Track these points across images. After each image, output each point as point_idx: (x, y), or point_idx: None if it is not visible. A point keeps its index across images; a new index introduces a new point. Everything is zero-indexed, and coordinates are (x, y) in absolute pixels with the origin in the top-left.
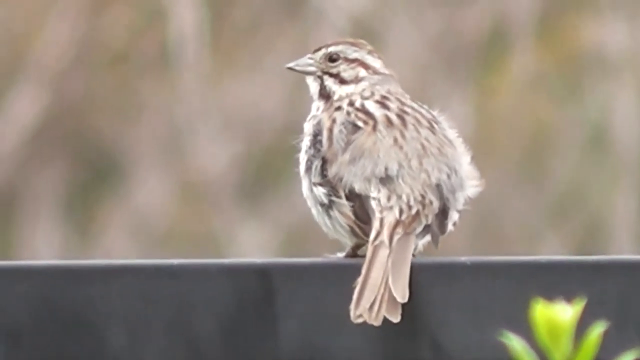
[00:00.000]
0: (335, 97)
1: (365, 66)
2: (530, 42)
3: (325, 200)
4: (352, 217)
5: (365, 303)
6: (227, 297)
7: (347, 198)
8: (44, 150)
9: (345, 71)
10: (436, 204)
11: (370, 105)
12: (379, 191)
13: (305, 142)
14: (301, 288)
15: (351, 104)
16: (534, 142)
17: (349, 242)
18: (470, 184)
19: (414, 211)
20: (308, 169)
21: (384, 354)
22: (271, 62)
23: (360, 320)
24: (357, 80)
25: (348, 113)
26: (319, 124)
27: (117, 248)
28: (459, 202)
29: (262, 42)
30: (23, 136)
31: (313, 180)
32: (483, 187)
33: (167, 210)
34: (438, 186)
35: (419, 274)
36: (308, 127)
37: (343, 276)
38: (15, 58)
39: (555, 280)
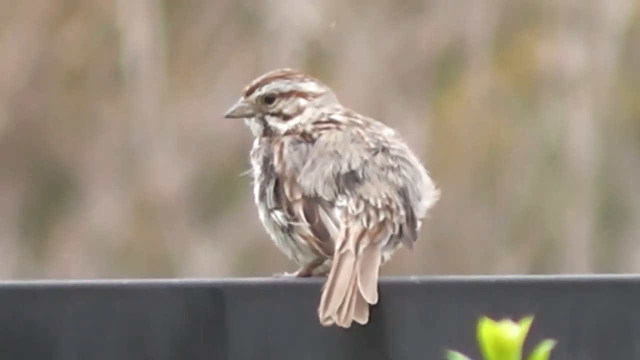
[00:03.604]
0: (283, 133)
1: (303, 94)
2: (486, 61)
3: (285, 224)
4: (312, 235)
5: (334, 305)
6: (178, 317)
7: (306, 218)
8: None
9: (286, 107)
10: (402, 212)
11: (335, 116)
12: (346, 197)
13: (257, 170)
14: (252, 307)
15: (297, 133)
16: (490, 162)
17: (309, 260)
18: (431, 194)
19: (381, 218)
20: (262, 195)
21: None
22: (226, 82)
23: (329, 323)
24: (299, 111)
25: (302, 134)
26: (268, 149)
27: (73, 268)
28: (421, 211)
29: (217, 62)
30: None
31: (269, 206)
32: (439, 197)
33: (123, 230)
34: (404, 190)
35: None
36: (257, 159)
37: (294, 296)
38: None
39: (506, 299)
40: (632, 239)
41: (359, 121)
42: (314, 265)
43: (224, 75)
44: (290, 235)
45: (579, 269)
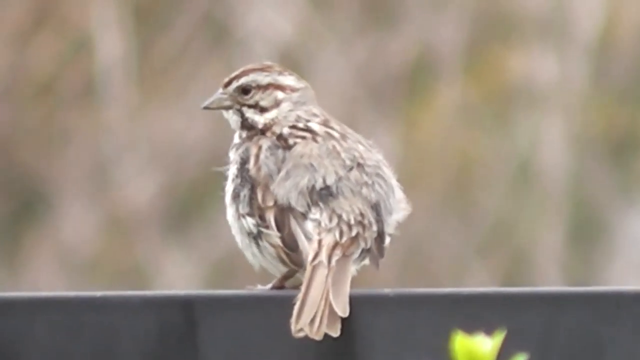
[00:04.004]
0: (260, 126)
1: (281, 87)
2: (457, 73)
3: (254, 231)
4: (281, 244)
5: (306, 318)
6: (150, 329)
7: (277, 226)
8: None
9: (263, 99)
10: (375, 227)
11: (312, 124)
12: (319, 211)
13: (232, 170)
14: (224, 320)
15: (274, 133)
16: (461, 174)
17: (277, 271)
18: (401, 207)
19: (353, 233)
20: (235, 197)
21: None
22: (197, 92)
23: (301, 335)
24: (277, 104)
25: (279, 137)
26: (246, 150)
27: (44, 280)
28: (391, 226)
29: (188, 73)
30: None
31: (241, 211)
32: (410, 211)
33: (94, 241)
34: (377, 205)
35: None
36: (234, 156)
37: (266, 308)
38: None
39: (479, 312)
40: (603, 251)
41: (336, 134)
42: (286, 277)
43: (194, 85)
44: (257, 242)
45: (550, 282)
